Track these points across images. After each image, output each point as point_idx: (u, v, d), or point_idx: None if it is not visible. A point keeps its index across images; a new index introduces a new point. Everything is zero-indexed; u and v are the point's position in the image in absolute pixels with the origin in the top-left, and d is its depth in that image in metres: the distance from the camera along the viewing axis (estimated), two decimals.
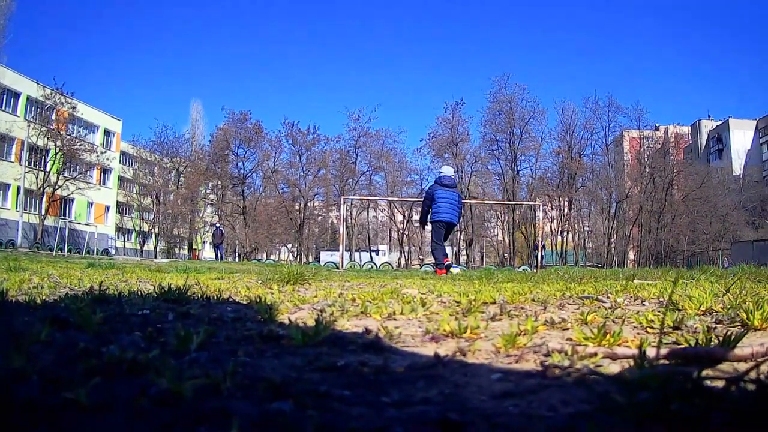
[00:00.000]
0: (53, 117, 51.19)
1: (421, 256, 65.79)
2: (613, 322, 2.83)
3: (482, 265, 61.22)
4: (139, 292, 4.30)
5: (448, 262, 11.89)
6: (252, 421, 1.18)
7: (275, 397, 1.38)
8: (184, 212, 65.47)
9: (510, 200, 57.07)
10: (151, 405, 1.28)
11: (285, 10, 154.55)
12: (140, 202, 67.88)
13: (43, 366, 1.43)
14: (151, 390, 1.35)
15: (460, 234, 63.16)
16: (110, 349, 1.69)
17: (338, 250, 36.94)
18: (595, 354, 1.81)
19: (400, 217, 65.32)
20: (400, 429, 1.12)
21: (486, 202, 56.48)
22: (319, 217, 70.31)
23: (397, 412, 1.29)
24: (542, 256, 38.03)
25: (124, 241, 69.83)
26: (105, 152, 58.33)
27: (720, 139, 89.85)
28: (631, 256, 66.31)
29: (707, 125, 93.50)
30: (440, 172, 12.99)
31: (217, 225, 37.69)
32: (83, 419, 1.17)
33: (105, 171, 62.82)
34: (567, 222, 64.87)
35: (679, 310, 3.24)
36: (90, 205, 59.83)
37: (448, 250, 42.93)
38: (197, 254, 67.21)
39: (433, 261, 13.11)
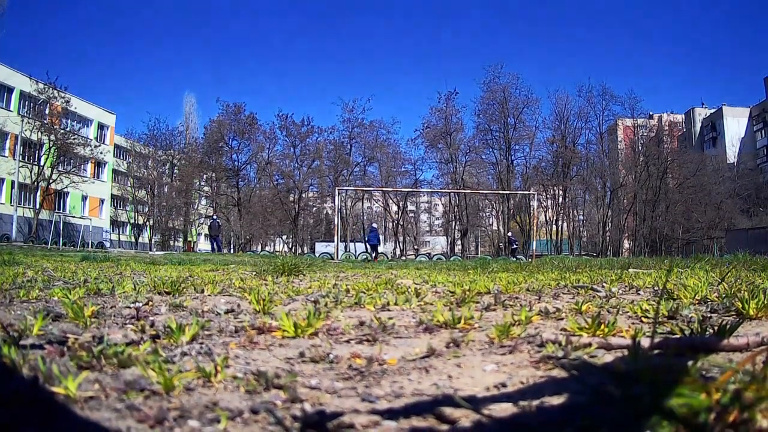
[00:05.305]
0: (47, 111, 50.83)
1: (416, 246, 65.91)
2: (608, 311, 2.83)
3: (477, 254, 61.35)
4: (133, 285, 4.29)
5: (374, 256, 27.47)
6: (242, 415, 1.17)
7: (266, 389, 1.37)
8: (178, 204, 65.27)
9: (504, 190, 57.06)
10: (142, 399, 1.27)
11: (278, 2, 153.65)
12: (135, 195, 67.49)
13: (34, 359, 1.41)
14: (141, 384, 1.34)
15: (455, 224, 63.28)
16: (101, 343, 1.68)
17: (333, 241, 37.08)
18: (590, 344, 1.80)
19: (394, 208, 65.34)
20: (391, 422, 1.11)
21: (480, 191, 56.47)
22: (314, 208, 70.11)
23: (389, 405, 1.28)
24: (514, 249, 42.58)
25: (119, 234, 69.43)
26: (99, 146, 58.00)
27: (714, 127, 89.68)
28: (626, 244, 66.39)
29: (701, 113, 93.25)
30: (370, 225, 37.47)
31: (214, 217, 37.48)
32: (74, 413, 1.15)
33: (99, 164, 62.31)
34: (562, 211, 64.84)
35: (674, 300, 3.24)
36: (84, 198, 59.48)
37: (440, 240, 70.01)
38: (192, 246, 67.05)
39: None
